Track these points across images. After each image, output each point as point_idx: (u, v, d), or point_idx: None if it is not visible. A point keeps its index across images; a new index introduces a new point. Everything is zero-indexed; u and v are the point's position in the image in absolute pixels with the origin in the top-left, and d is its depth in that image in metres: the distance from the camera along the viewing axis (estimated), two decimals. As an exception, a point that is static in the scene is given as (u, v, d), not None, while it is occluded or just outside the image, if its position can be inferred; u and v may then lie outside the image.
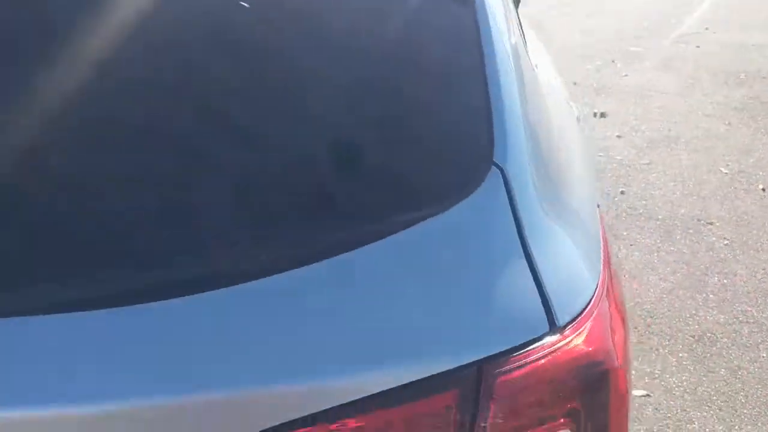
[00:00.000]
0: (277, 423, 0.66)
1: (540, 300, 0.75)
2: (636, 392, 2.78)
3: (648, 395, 2.70)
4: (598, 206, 1.05)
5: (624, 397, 0.81)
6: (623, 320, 0.92)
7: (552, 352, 0.74)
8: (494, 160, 0.82)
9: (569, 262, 0.82)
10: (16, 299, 0.68)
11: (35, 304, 0.67)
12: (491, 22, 0.93)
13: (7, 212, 0.74)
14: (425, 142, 0.83)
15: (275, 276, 0.71)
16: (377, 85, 0.86)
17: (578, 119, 1.68)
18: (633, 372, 2.88)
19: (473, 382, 0.70)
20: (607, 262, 0.93)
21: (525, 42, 1.59)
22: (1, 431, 0.63)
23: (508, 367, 0.72)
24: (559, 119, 1.29)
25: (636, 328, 2.89)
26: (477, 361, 0.71)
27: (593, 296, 0.80)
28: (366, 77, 0.85)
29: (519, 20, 1.59)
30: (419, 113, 0.85)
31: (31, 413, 0.62)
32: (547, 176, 0.91)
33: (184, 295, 0.67)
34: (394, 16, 0.93)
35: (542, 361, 0.73)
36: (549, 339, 0.74)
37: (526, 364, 0.73)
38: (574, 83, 5.11)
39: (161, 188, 0.76)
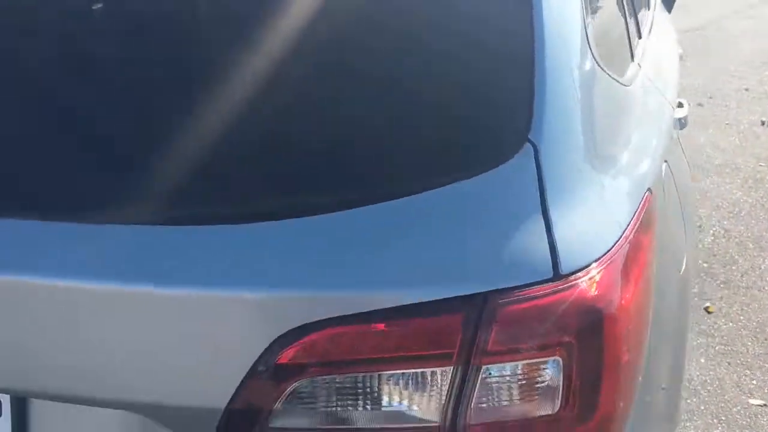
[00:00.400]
0: (335, 315, 0.87)
1: (549, 251, 0.92)
2: (753, 401, 2.77)
3: (765, 405, 2.70)
4: (650, 190, 1.18)
5: (621, 348, 0.95)
6: (643, 287, 1.05)
7: (552, 293, 0.90)
8: (529, 137, 0.98)
9: (586, 228, 0.97)
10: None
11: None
12: (549, 11, 1.08)
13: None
14: (469, 119, 1.01)
15: (352, 210, 0.92)
16: (432, 66, 1.04)
17: (681, 121, 1.76)
18: (754, 381, 2.86)
19: (479, 307, 0.88)
20: (639, 237, 1.06)
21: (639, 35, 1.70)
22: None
23: (509, 300, 0.89)
24: (640, 111, 1.42)
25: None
26: (484, 292, 0.88)
27: (602, 256, 0.94)
28: (424, 59, 1.04)
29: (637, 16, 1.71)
30: (467, 95, 1.03)
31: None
32: (587, 157, 1.05)
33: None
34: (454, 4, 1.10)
35: (543, 299, 0.90)
36: (550, 282, 0.90)
37: (527, 299, 0.89)
38: (746, 89, 4.95)
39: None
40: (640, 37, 1.99)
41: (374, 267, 0.90)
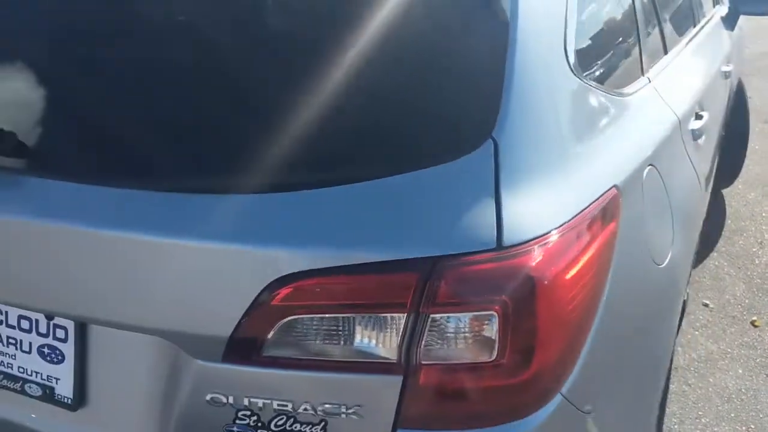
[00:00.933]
0: (317, 268, 1.10)
1: (495, 227, 1.12)
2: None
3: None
4: (616, 187, 1.36)
5: (555, 316, 1.14)
6: (593, 269, 1.23)
7: (492, 260, 1.11)
8: (492, 134, 1.19)
9: (533, 211, 1.16)
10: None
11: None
12: (528, 17, 1.27)
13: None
14: (442, 117, 1.22)
15: (337, 187, 1.15)
16: (410, 69, 1.25)
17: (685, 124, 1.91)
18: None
19: (430, 268, 1.10)
20: (592, 225, 1.25)
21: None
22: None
23: (456, 263, 1.10)
24: (631, 120, 1.59)
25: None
26: (436, 256, 1.10)
27: (542, 235, 1.14)
28: (404, 62, 1.25)
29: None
30: (441, 96, 1.24)
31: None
32: (548, 153, 1.25)
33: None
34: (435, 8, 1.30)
35: (483, 264, 1.11)
36: (492, 251, 1.10)
37: (470, 263, 1.10)
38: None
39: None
40: (666, 52, 2.14)
41: (349, 232, 1.13)
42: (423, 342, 1.12)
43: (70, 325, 1.32)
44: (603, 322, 1.29)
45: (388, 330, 1.12)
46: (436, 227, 1.13)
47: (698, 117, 2.11)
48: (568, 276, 1.18)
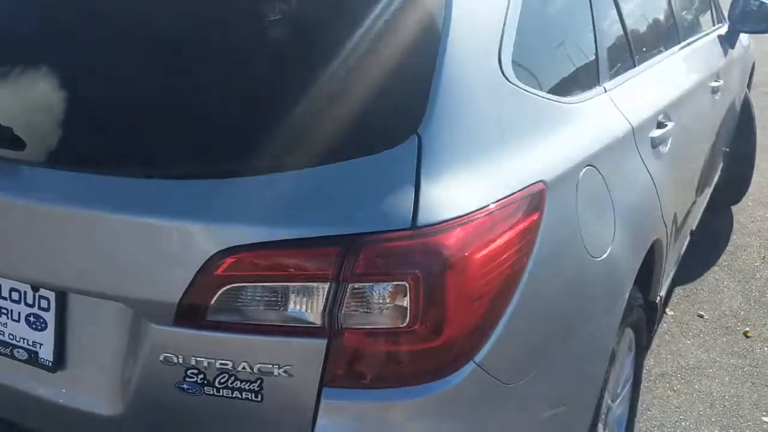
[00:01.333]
0: (255, 242, 1.26)
1: (411, 210, 1.27)
2: (767, 418, 2.90)
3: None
4: (543, 182, 1.49)
5: (465, 292, 1.28)
6: (509, 253, 1.37)
7: (406, 238, 1.26)
8: (418, 131, 1.34)
9: (449, 198, 1.31)
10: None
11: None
12: (461, 26, 1.42)
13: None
14: (374, 115, 1.37)
15: (277, 173, 1.32)
16: (348, 68, 1.41)
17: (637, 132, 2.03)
18: None
19: (350, 243, 1.25)
20: (510, 213, 1.39)
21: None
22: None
23: (373, 239, 1.25)
24: (572, 124, 1.72)
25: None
26: (355, 233, 1.25)
27: (454, 219, 1.28)
28: (343, 66, 1.41)
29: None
30: (373, 96, 1.39)
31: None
32: (470, 149, 1.40)
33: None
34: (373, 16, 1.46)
35: (398, 241, 1.26)
36: (407, 230, 1.26)
37: (386, 240, 1.26)
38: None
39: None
40: (634, 65, 2.28)
41: (283, 212, 1.29)
42: (343, 309, 1.27)
43: (52, 296, 1.50)
44: (524, 303, 1.42)
45: (314, 298, 1.28)
46: (359, 209, 1.28)
47: (660, 126, 2.23)
48: (479, 256, 1.32)
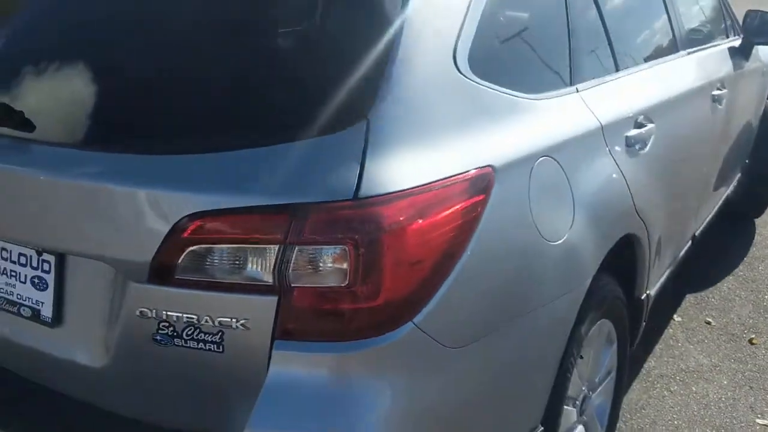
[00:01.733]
0: (216, 208, 1.44)
1: (355, 183, 1.43)
2: (760, 420, 2.95)
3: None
4: (491, 167, 1.64)
5: (402, 259, 1.43)
6: (450, 228, 1.52)
7: (348, 207, 1.42)
8: (367, 116, 1.51)
9: (391, 175, 1.46)
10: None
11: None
12: (418, 22, 1.59)
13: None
14: (325, 101, 1.54)
15: (236, 151, 1.50)
16: (304, 59, 1.59)
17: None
18: None
19: (298, 210, 1.42)
20: (454, 192, 1.54)
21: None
22: None
23: (319, 208, 1.42)
24: (532, 118, 1.86)
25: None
26: (304, 202, 1.42)
27: (394, 192, 1.44)
28: (301, 56, 1.59)
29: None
30: (329, 84, 1.56)
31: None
32: (417, 133, 1.55)
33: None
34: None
35: (341, 210, 1.42)
36: (349, 201, 1.42)
37: (330, 209, 1.42)
38: None
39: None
40: (617, 69, 2.40)
41: (241, 183, 1.47)
42: (291, 269, 1.43)
43: (52, 260, 1.70)
44: (467, 274, 1.56)
45: (267, 259, 1.45)
46: (308, 182, 1.45)
47: (638, 126, 2.34)
48: (416, 227, 1.47)
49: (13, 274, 1.77)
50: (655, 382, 3.16)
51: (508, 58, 1.92)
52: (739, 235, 4.60)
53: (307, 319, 1.46)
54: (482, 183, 1.62)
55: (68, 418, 1.74)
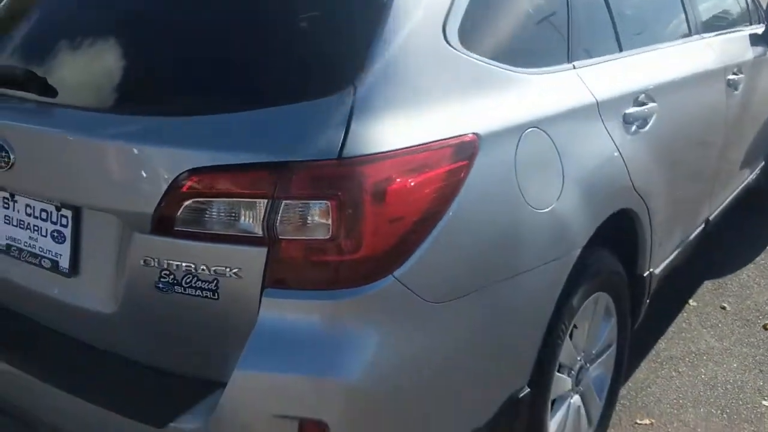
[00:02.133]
0: (211, 165, 1.57)
1: (340, 143, 1.54)
2: (766, 402, 2.97)
3: None
4: (476, 135, 1.73)
5: (382, 216, 1.54)
6: (430, 190, 1.62)
7: (332, 166, 1.53)
8: (354, 82, 1.61)
9: (374, 136, 1.57)
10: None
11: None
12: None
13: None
14: (317, 66, 1.65)
15: (227, 114, 1.64)
16: (295, 26, 1.70)
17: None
18: None
19: (286, 168, 1.54)
20: (438, 156, 1.64)
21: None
22: None
23: (304, 166, 1.53)
24: (525, 91, 1.95)
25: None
26: (291, 160, 1.54)
27: (377, 153, 1.54)
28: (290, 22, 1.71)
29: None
30: (318, 51, 1.67)
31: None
32: (402, 101, 1.65)
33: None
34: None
35: (325, 168, 1.53)
36: (333, 160, 1.53)
37: (316, 167, 1.53)
38: None
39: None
40: (620, 50, 2.47)
41: (235, 142, 1.59)
42: (278, 222, 1.55)
43: (69, 214, 1.85)
44: (449, 234, 1.66)
45: (256, 212, 1.57)
46: (296, 142, 1.57)
47: (639, 104, 2.40)
48: (397, 186, 1.57)
49: (36, 228, 1.93)
50: (664, 363, 3.21)
51: (502, 33, 2.00)
52: (762, 225, 4.58)
53: (294, 269, 1.58)
54: (466, 149, 1.71)
55: (81, 362, 1.89)
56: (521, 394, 1.94)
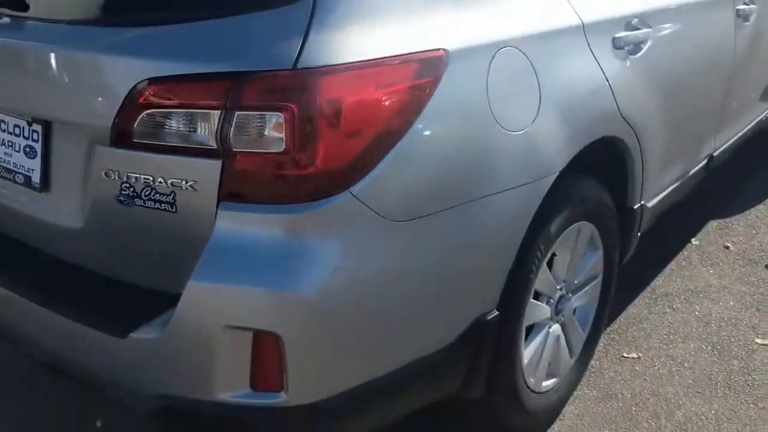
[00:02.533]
0: (167, 75, 1.56)
1: (296, 54, 1.52)
2: (759, 340, 2.94)
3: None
4: (444, 50, 1.69)
5: (338, 130, 1.52)
6: (391, 102, 1.59)
7: (286, 77, 1.50)
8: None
9: (333, 48, 1.54)
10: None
11: None
12: None
13: None
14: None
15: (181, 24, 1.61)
16: None
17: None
18: None
19: (240, 77, 1.52)
20: (394, 68, 1.61)
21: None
22: None
23: (259, 75, 1.51)
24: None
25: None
26: (244, 70, 1.52)
27: (332, 65, 1.51)
28: None
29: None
30: None
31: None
32: (365, 13, 1.61)
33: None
34: None
35: (279, 79, 1.51)
36: (287, 70, 1.50)
37: (270, 77, 1.51)
38: None
39: None
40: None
41: (190, 52, 1.57)
42: (232, 130, 1.54)
43: (39, 129, 1.86)
44: (411, 151, 1.63)
45: (211, 124, 1.55)
46: (250, 51, 1.54)
47: (630, 28, 2.32)
48: (354, 99, 1.55)
49: (10, 144, 1.94)
50: (659, 299, 3.18)
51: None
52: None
53: (249, 183, 1.57)
54: (433, 65, 1.68)
55: (53, 277, 1.92)
56: (489, 317, 1.93)
